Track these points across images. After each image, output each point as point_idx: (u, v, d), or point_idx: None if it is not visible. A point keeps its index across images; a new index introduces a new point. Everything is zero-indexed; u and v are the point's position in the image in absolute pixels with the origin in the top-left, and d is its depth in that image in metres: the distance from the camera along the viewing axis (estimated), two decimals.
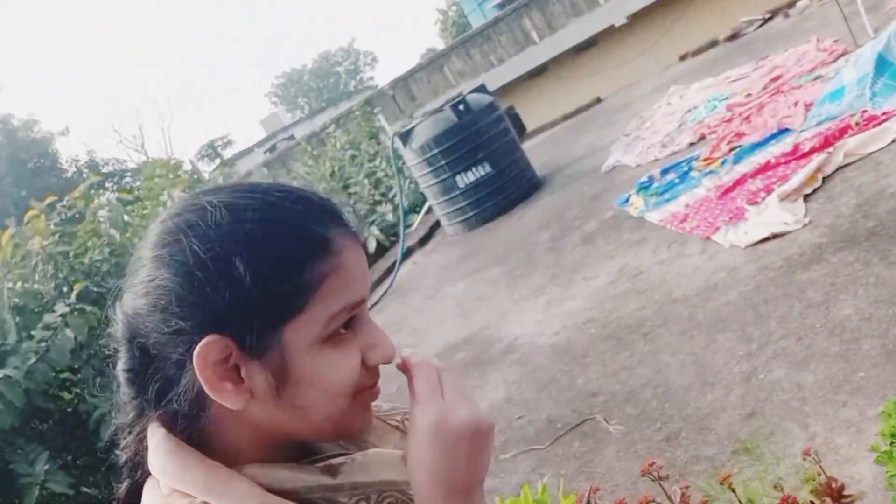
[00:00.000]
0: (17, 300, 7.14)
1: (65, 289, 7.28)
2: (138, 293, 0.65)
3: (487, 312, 5.11)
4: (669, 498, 1.46)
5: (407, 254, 8.21)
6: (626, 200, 5.67)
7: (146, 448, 0.66)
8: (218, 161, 27.33)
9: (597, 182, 6.87)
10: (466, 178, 7.78)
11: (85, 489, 6.62)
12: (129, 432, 0.69)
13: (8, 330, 6.99)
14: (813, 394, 2.67)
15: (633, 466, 2.82)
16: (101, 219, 8.18)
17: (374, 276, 8.03)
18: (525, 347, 4.26)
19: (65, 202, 9.11)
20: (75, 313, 6.89)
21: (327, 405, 0.66)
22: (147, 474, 0.67)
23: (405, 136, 8.02)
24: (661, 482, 1.47)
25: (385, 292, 7.19)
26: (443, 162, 7.75)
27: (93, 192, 10.14)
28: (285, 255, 0.63)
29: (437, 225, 8.67)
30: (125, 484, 0.70)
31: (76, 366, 7.23)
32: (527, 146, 10.36)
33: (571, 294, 4.65)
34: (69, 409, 7.07)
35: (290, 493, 0.65)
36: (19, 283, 7.40)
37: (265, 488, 0.64)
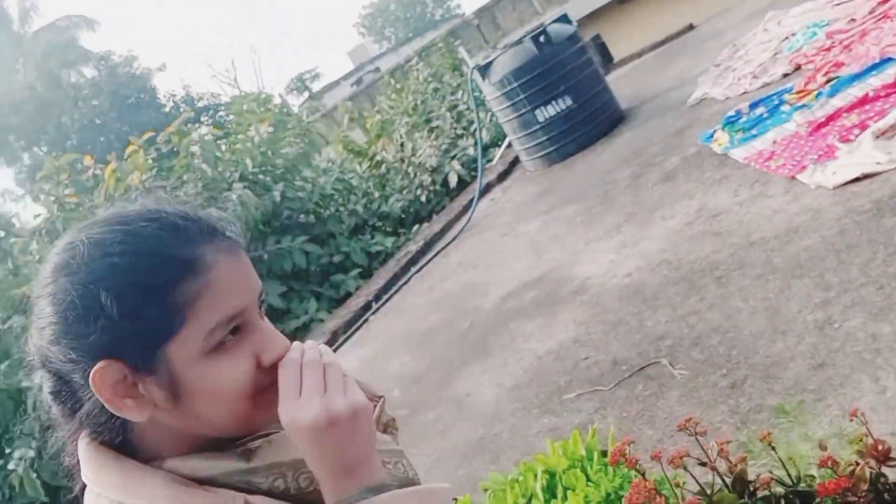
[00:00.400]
0: None
1: None
2: (38, 327, 0.71)
3: (561, 251, 5.10)
4: (706, 453, 1.47)
5: (485, 190, 8.21)
6: (711, 136, 5.45)
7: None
8: (306, 94, 27.71)
9: (682, 116, 6.61)
10: (546, 112, 7.64)
11: None
12: (69, 445, 0.75)
13: None
14: (888, 345, 2.57)
15: (694, 412, 2.81)
16: (194, 154, 8.56)
17: (453, 212, 8.10)
18: (596, 288, 4.25)
19: (161, 138, 9.55)
20: None
21: (225, 409, 0.70)
22: (84, 483, 0.73)
23: (484, 70, 7.90)
24: (698, 437, 1.48)
25: (462, 229, 7.25)
26: (522, 96, 7.62)
27: (188, 126, 10.54)
28: (150, 281, 0.67)
29: (516, 160, 8.60)
30: (76, 491, 0.75)
31: None
32: (612, 77, 10.03)
33: (647, 234, 4.57)
34: None
35: (210, 480, 0.69)
36: None
37: (187, 478, 0.69)
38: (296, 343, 0.76)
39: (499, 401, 3.68)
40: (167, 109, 25.90)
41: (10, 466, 6.10)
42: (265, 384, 0.72)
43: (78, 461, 0.73)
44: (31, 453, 6.07)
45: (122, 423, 0.71)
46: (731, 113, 5.57)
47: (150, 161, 8.53)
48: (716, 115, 5.92)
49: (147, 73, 26.82)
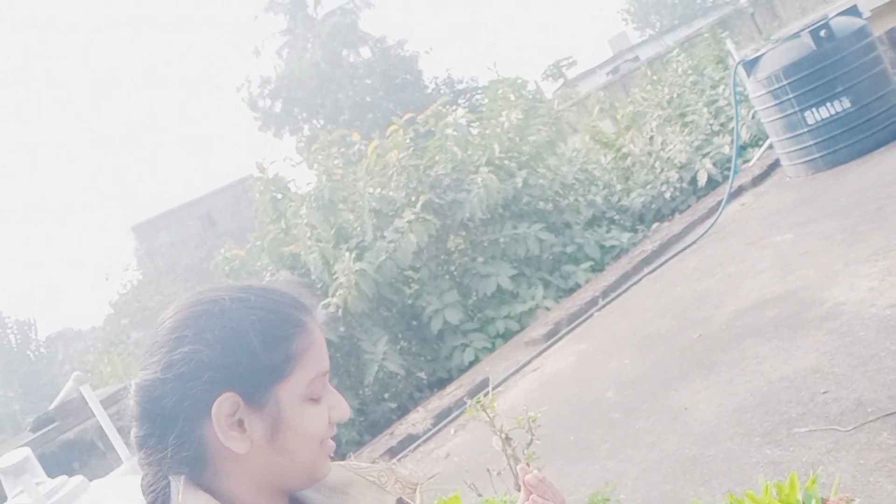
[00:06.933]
0: (375, 204, 8.35)
1: (413, 198, 8.29)
2: (158, 367, 0.81)
3: (812, 270, 4.64)
4: None
5: (736, 193, 7.69)
6: None
7: (166, 501, 0.83)
8: (561, 81, 27.79)
9: None
10: (818, 115, 6.94)
11: (414, 372, 7.69)
12: (150, 491, 0.85)
13: (366, 229, 8.23)
14: None
15: None
16: (448, 136, 9.03)
17: (697, 213, 7.70)
18: (848, 316, 3.82)
19: (420, 118, 10.20)
20: (419, 221, 7.87)
21: (308, 449, 0.84)
22: None
23: (751, 65, 7.36)
24: None
25: (705, 232, 6.87)
26: (791, 95, 6.99)
27: (446, 108, 11.12)
28: (279, 332, 0.83)
29: (776, 164, 7.93)
30: None
31: (416, 266, 8.30)
32: None
33: None
34: (408, 302, 8.18)
35: None
36: (378, 190, 8.60)
37: None
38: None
39: (718, 421, 3.49)
40: (429, 91, 27.48)
41: None
42: (328, 435, 0.88)
43: (160, 498, 0.84)
44: None
45: (210, 467, 0.82)
46: None
47: (407, 140, 9.14)
48: None
49: (415, 56, 28.63)
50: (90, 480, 2.94)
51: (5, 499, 2.73)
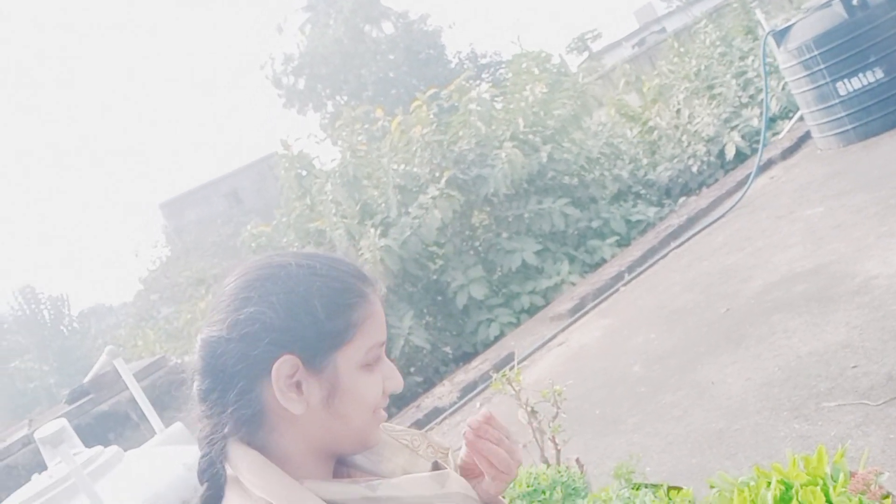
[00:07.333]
0: (399, 180, 8.35)
1: (437, 173, 8.28)
2: (223, 325, 0.84)
3: (843, 244, 4.58)
4: None
5: (766, 166, 7.57)
6: None
7: (220, 455, 0.85)
8: (586, 54, 27.45)
9: None
10: (850, 85, 6.79)
11: (440, 346, 7.74)
12: (207, 443, 0.86)
13: (391, 205, 8.24)
14: None
15: None
16: (471, 111, 8.97)
17: (725, 186, 7.61)
18: (880, 290, 3.77)
19: (443, 94, 10.12)
20: (443, 196, 7.86)
21: (362, 415, 0.87)
22: (223, 478, 0.85)
23: (781, 35, 7.21)
24: None
25: (733, 206, 6.79)
26: (822, 66, 6.84)
27: (469, 83, 11.03)
28: (342, 300, 0.86)
29: (806, 136, 7.79)
30: (205, 486, 0.87)
31: (441, 241, 8.30)
32: None
33: None
34: (433, 278, 8.21)
35: None
36: (402, 166, 8.59)
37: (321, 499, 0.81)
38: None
39: (745, 395, 3.47)
40: (453, 66, 27.30)
41: None
42: (381, 405, 0.90)
43: (214, 458, 0.86)
44: None
45: (265, 427, 0.85)
46: None
47: (431, 116, 9.10)
48: None
49: (438, 30, 28.41)
50: (125, 450, 3.02)
51: (45, 468, 2.82)
